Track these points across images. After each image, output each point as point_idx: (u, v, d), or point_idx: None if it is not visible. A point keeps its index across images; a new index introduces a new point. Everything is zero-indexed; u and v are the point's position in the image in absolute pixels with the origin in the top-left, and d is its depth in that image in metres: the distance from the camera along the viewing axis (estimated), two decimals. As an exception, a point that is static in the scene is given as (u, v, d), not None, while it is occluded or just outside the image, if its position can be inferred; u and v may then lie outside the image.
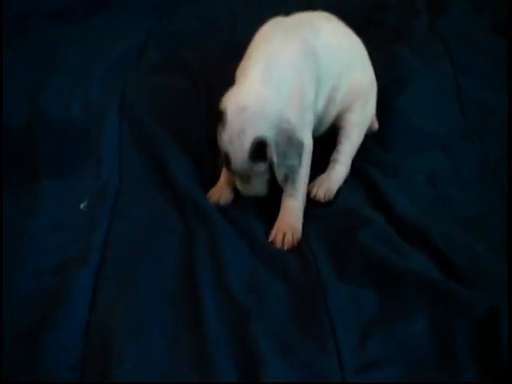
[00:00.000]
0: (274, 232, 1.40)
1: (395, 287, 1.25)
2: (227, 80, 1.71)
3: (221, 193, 1.48)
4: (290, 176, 1.39)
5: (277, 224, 1.41)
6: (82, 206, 1.46)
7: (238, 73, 1.47)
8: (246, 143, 1.33)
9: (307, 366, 1.14)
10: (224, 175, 1.49)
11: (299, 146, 1.38)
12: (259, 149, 1.34)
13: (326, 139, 1.57)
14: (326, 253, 1.35)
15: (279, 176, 1.38)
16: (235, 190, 1.47)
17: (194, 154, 1.59)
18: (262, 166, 1.37)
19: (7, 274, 1.29)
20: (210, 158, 1.57)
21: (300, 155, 1.39)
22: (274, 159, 1.35)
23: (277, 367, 1.12)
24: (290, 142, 1.36)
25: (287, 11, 1.63)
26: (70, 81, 1.84)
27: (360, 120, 1.58)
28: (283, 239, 1.39)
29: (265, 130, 1.34)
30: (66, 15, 2.14)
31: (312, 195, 1.48)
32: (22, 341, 1.18)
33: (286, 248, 1.38)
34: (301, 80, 1.42)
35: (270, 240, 1.39)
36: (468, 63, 1.85)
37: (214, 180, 1.51)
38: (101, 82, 1.84)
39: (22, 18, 2.10)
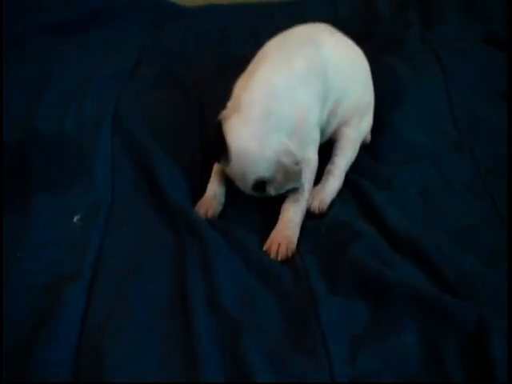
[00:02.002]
0: (268, 242, 1.41)
1: (386, 300, 1.24)
2: (221, 94, 1.73)
3: (208, 205, 1.49)
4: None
5: (272, 234, 1.42)
6: (75, 218, 1.47)
7: (237, 91, 1.49)
8: (248, 183, 1.44)
9: (299, 380, 1.14)
10: (211, 188, 1.51)
11: (297, 174, 1.43)
12: (261, 183, 1.43)
13: (321, 151, 1.57)
14: (318, 265, 1.35)
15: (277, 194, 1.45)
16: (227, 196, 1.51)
17: (186, 169, 1.59)
18: (264, 192, 1.45)
19: (-1, 289, 1.29)
20: (202, 173, 1.57)
21: (298, 180, 1.44)
22: (272, 192, 1.44)
23: (268, 381, 1.12)
24: (288, 175, 1.42)
25: (280, 25, 1.65)
26: (64, 96, 1.84)
27: (355, 135, 1.60)
28: (277, 250, 1.39)
29: (264, 171, 1.41)
30: (60, 31, 2.14)
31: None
32: (13, 356, 1.17)
33: (279, 259, 1.38)
34: (302, 107, 1.45)
35: (264, 249, 1.40)
36: (459, 75, 1.86)
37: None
38: (94, 97, 1.84)
39: (15, 32, 2.11)
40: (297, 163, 1.42)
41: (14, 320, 1.24)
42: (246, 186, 1.45)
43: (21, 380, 1.14)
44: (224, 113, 1.46)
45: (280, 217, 1.44)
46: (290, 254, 1.39)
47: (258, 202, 1.50)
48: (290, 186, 1.43)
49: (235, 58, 2.04)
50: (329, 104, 1.53)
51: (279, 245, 1.39)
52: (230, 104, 1.49)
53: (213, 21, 2.26)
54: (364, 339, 1.19)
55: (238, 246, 1.40)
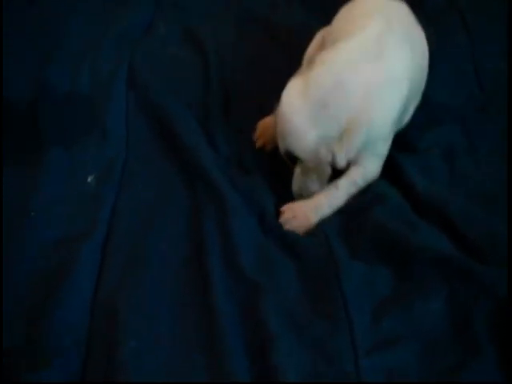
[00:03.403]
0: (285, 212, 1.34)
1: (411, 264, 1.21)
2: (239, 52, 1.70)
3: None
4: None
5: (294, 204, 1.35)
6: (89, 179, 1.43)
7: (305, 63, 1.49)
8: (280, 146, 1.38)
9: (319, 344, 1.11)
10: None
11: (322, 175, 1.36)
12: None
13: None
14: (339, 230, 1.31)
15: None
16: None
17: (203, 126, 1.55)
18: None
19: (11, 248, 1.26)
20: (220, 128, 1.54)
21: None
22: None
23: (288, 345, 1.09)
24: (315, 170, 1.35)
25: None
26: (76, 53, 1.78)
27: None
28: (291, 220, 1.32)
29: (296, 150, 1.33)
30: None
31: None
32: (27, 316, 1.15)
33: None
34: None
35: (280, 220, 1.33)
36: (485, 34, 1.79)
37: (224, 154, 1.48)
38: (107, 53, 1.78)
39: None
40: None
41: (27, 278, 1.21)
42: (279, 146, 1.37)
43: (34, 338, 1.12)
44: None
45: (314, 196, 1.36)
46: (301, 232, 1.32)
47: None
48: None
49: (254, 17, 1.99)
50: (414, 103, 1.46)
51: (295, 217, 1.33)
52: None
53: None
54: (387, 304, 1.16)
55: (256, 206, 1.35)
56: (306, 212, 1.33)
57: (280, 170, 1.43)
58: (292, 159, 1.36)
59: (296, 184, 1.37)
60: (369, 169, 1.37)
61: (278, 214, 1.35)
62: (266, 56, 1.78)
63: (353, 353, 1.10)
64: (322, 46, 1.53)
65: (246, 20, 1.99)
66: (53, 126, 1.55)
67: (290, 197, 1.39)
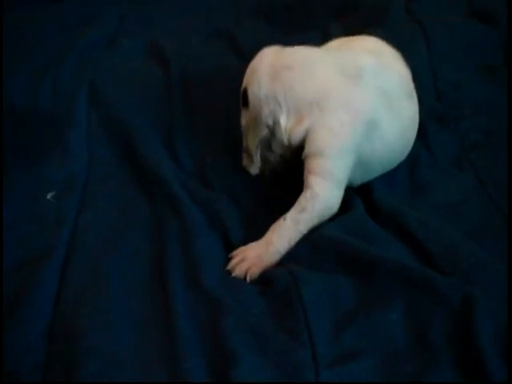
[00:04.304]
0: (233, 257, 1.27)
1: (370, 276, 1.20)
2: (203, 67, 1.69)
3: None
4: None
5: (243, 248, 1.29)
6: (49, 195, 1.41)
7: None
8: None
9: (280, 359, 1.09)
10: None
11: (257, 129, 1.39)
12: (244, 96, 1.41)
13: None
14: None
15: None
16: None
17: (166, 142, 1.55)
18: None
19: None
20: (182, 146, 1.54)
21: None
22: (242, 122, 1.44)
23: (249, 362, 1.08)
24: (252, 120, 1.39)
25: None
26: (38, 68, 1.79)
27: None
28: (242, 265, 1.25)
29: (251, 86, 1.39)
30: (35, 1, 2.08)
31: None
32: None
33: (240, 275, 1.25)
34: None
35: (227, 267, 1.27)
36: (444, 47, 1.82)
37: (188, 169, 1.48)
38: (70, 69, 1.79)
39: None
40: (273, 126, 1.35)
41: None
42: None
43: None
44: None
45: (265, 236, 1.29)
46: (254, 274, 1.25)
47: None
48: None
49: (218, 31, 2.00)
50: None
51: (244, 260, 1.26)
52: None
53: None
54: (348, 317, 1.15)
55: (220, 224, 1.35)
56: (258, 252, 1.26)
57: (245, 186, 1.44)
58: (244, 100, 1.40)
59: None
60: (317, 192, 1.28)
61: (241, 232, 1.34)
62: (231, 71, 1.78)
63: (314, 365, 1.09)
64: None
65: (210, 34, 2.01)
66: (13, 142, 1.54)
67: (255, 212, 1.39)
